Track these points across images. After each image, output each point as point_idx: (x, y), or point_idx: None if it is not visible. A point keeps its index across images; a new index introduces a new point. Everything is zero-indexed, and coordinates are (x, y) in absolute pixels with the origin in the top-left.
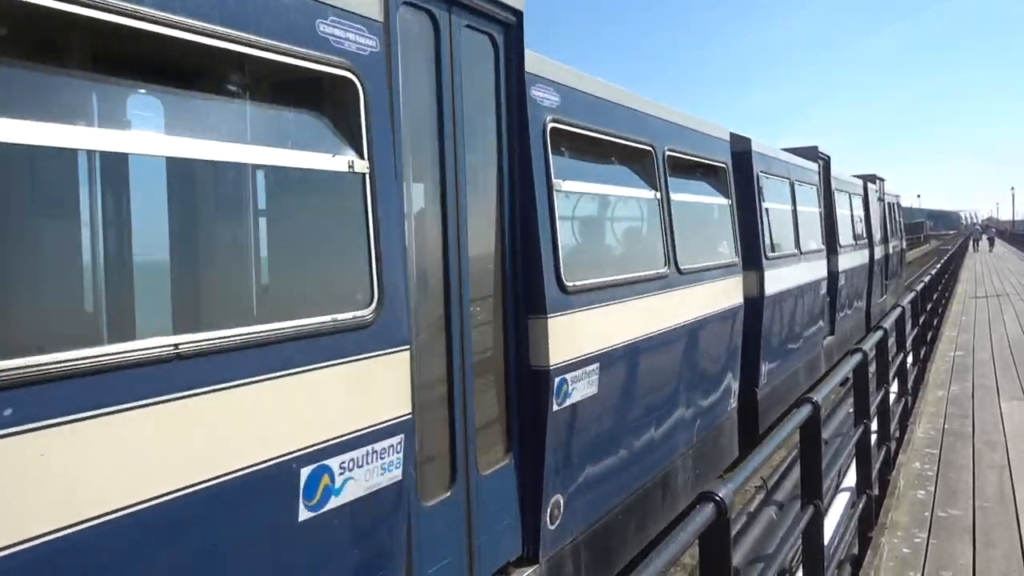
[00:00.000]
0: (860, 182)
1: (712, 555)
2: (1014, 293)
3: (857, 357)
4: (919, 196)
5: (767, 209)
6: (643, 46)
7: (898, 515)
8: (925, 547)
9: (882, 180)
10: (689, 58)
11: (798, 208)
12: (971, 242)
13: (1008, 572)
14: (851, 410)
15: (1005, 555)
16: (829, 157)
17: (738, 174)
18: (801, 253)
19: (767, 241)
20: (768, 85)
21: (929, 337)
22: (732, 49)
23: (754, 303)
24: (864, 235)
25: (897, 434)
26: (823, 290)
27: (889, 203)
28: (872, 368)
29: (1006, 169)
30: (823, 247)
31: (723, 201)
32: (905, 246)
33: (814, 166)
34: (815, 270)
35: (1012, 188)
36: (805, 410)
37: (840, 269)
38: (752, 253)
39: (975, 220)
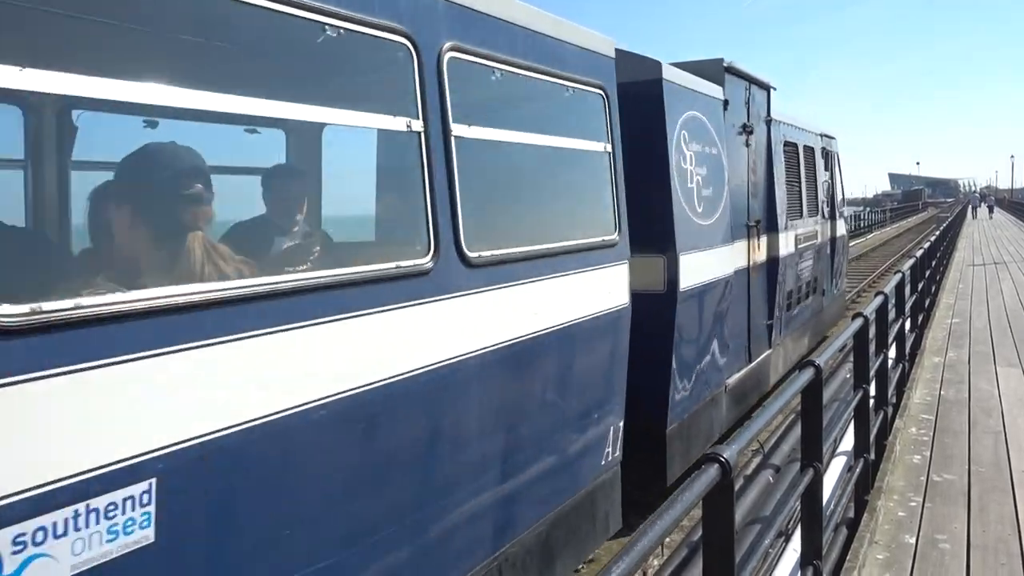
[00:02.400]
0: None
1: (715, 516)
2: (1011, 261)
3: (858, 323)
4: (918, 163)
5: None
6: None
7: (894, 479)
8: (920, 511)
9: (767, 88)
10: (687, 21)
11: None
12: (970, 209)
13: (1002, 536)
14: (848, 376)
15: (999, 519)
16: None
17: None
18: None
19: None
20: (764, 51)
21: (927, 304)
22: (730, 12)
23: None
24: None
25: (894, 399)
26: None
27: (800, 146)
28: (870, 333)
29: (1006, 137)
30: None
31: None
32: (845, 232)
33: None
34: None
35: (1012, 156)
36: (807, 373)
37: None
38: None
39: (974, 188)
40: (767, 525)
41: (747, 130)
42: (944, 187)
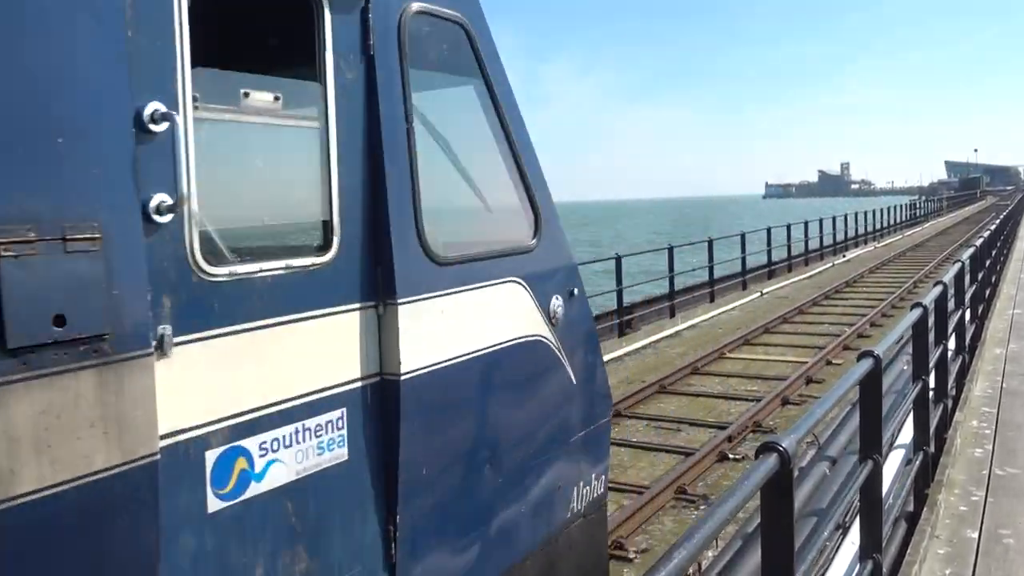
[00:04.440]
0: None
1: (774, 507)
2: None
3: (917, 312)
4: (976, 150)
5: None
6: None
7: (955, 473)
8: (983, 505)
9: None
10: (727, 10)
11: None
12: None
13: None
14: (905, 367)
15: None
16: None
17: None
18: None
19: None
20: (815, 37)
21: (987, 294)
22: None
23: None
24: None
25: (954, 392)
26: None
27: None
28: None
29: None
30: None
31: None
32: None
33: None
34: None
35: None
36: (866, 364)
37: None
38: None
39: None
40: (824, 517)
41: None
42: (1003, 175)
